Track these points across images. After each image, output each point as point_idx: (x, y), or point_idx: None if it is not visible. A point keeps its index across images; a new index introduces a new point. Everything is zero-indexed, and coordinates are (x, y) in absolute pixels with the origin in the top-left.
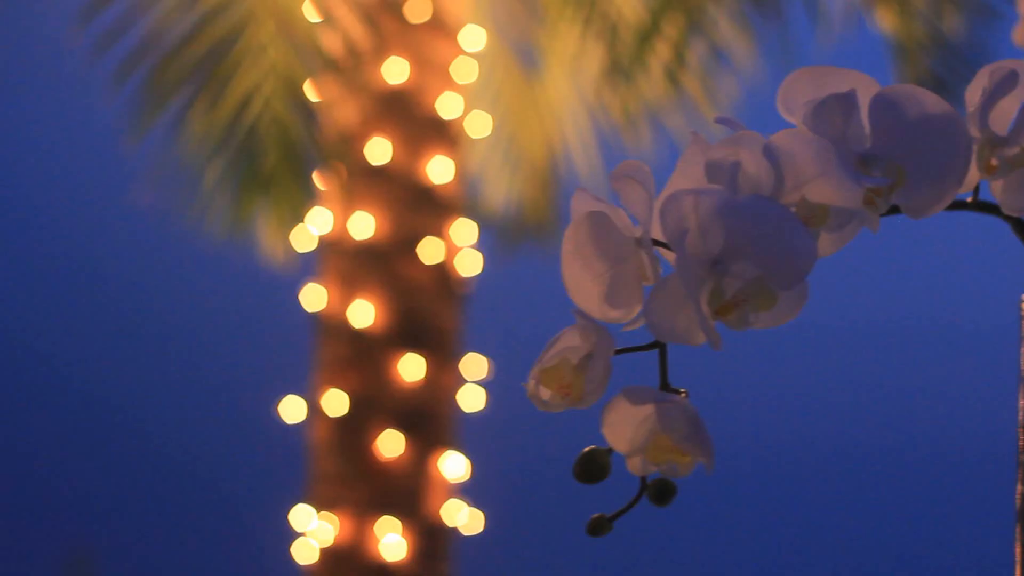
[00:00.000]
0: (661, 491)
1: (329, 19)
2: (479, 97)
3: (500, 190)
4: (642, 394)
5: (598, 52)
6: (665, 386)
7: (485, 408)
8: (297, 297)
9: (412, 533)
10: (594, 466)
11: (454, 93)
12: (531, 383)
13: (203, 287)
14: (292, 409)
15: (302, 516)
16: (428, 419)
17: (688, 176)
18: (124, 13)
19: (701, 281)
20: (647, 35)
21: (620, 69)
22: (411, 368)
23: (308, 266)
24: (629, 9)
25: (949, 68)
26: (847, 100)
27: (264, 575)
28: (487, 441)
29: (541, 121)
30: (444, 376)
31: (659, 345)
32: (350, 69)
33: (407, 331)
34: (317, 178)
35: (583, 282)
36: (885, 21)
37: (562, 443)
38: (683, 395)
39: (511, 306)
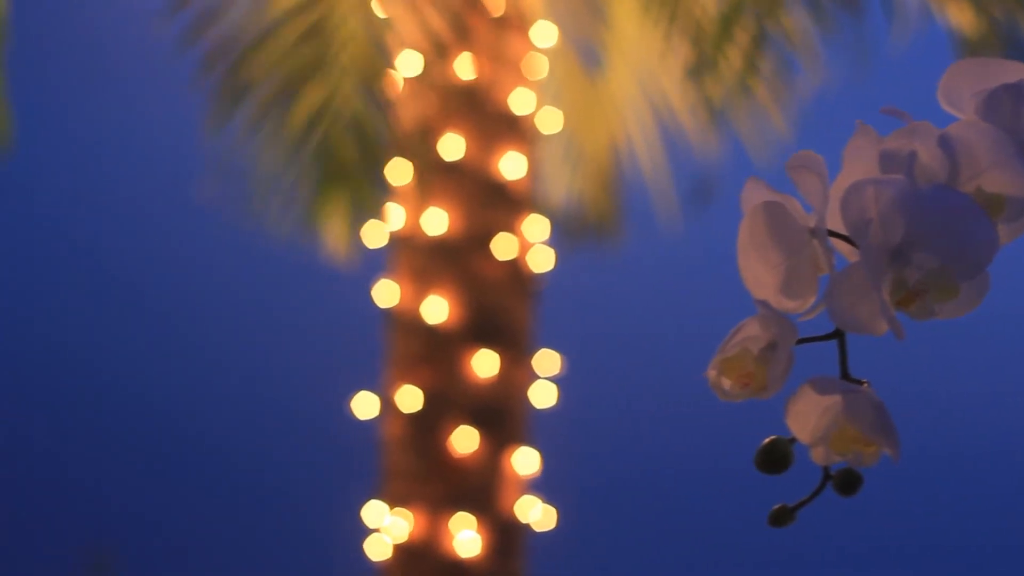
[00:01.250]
0: (847, 481)
1: (405, 15)
2: (541, 93)
3: (561, 186)
4: (828, 384)
5: (681, 50)
6: (846, 375)
7: (556, 404)
8: (369, 293)
9: (487, 529)
10: (776, 456)
11: (526, 89)
12: (712, 373)
13: (274, 283)
14: (365, 405)
15: (375, 512)
16: (501, 415)
17: (857, 166)
18: (204, 11)
19: (883, 271)
20: (724, 31)
21: (703, 66)
22: (485, 364)
23: (379, 262)
24: (708, 5)
25: None
26: (1018, 90)
27: (337, 572)
28: (558, 437)
29: (604, 118)
30: (517, 372)
31: (839, 335)
32: (426, 64)
33: (480, 327)
34: (390, 174)
35: (759, 272)
36: (957, 17)
37: (630, 440)
38: (866, 385)
39: (582, 302)
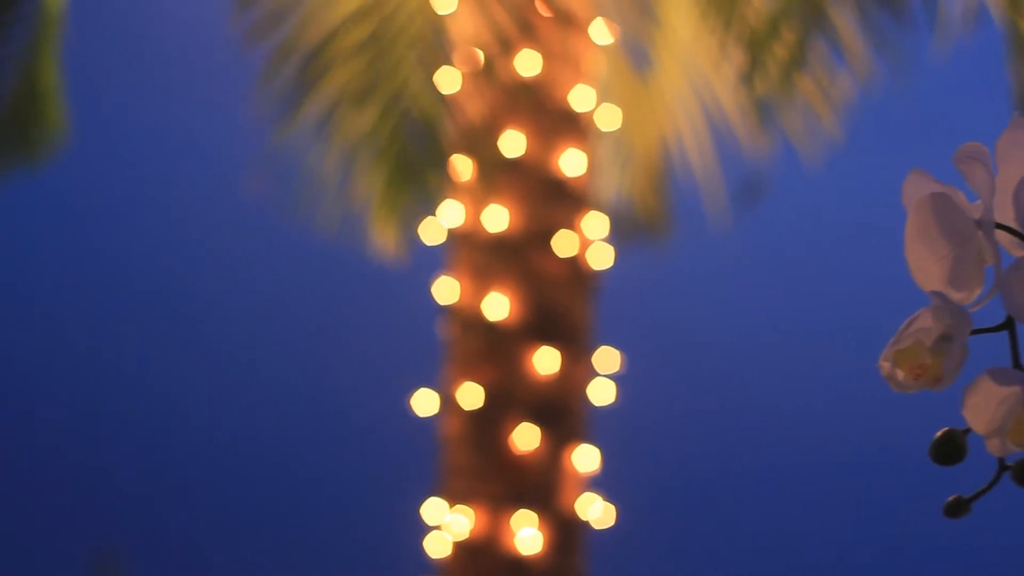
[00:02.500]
0: None
1: (467, 11)
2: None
3: (610, 184)
4: (1008, 375)
5: (736, 56)
6: (1017, 365)
7: (615, 401)
8: (425, 290)
9: (547, 527)
10: (951, 447)
11: (585, 86)
12: (885, 364)
13: (332, 282)
14: (424, 402)
15: (434, 510)
16: (562, 412)
17: (1017, 160)
18: (271, 11)
19: None
20: (772, 30)
21: (756, 71)
22: (546, 361)
23: (435, 259)
24: (762, 9)
25: None
26: None
27: (396, 570)
28: (615, 434)
29: (653, 116)
30: (577, 369)
31: (1009, 325)
32: (487, 61)
33: (541, 324)
34: (449, 170)
35: (926, 264)
36: (1013, 16)
37: (689, 438)
38: None
39: (638, 299)
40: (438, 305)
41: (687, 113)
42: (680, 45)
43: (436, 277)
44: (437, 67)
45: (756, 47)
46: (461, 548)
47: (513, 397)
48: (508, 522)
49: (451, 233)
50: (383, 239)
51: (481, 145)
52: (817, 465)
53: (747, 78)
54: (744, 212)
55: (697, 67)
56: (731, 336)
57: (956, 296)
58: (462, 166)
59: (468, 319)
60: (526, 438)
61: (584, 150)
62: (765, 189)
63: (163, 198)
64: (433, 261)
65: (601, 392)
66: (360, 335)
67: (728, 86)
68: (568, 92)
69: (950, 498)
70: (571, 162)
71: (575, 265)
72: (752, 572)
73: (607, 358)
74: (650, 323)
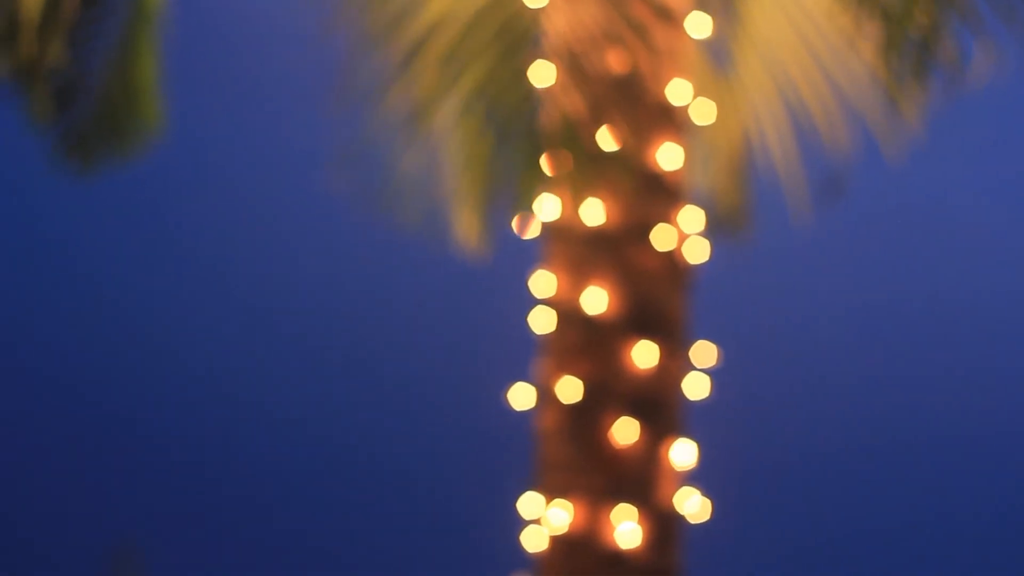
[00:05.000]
0: None
1: (563, 5)
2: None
3: (692, 178)
4: None
5: (871, 31)
6: None
7: (710, 395)
8: (516, 284)
9: (646, 521)
10: None
11: (682, 79)
12: None
13: (428, 276)
14: (521, 396)
15: (532, 504)
16: (660, 406)
17: None
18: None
19: None
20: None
21: (892, 45)
22: (644, 355)
23: (527, 253)
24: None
25: None
26: None
27: (494, 564)
28: (709, 429)
29: (735, 111)
30: (674, 363)
31: None
32: (584, 54)
33: (639, 318)
34: (545, 164)
35: None
36: None
37: (774, 431)
38: None
39: (734, 292)
40: (532, 298)
41: (769, 108)
42: (762, 39)
43: (532, 271)
44: (529, 59)
45: (893, 24)
46: (559, 542)
47: (611, 391)
48: (607, 516)
49: (546, 227)
50: (473, 233)
51: (578, 139)
52: (916, 460)
53: (883, 55)
54: (827, 207)
55: (779, 61)
56: (827, 329)
57: None
58: (558, 160)
59: (566, 313)
60: (624, 432)
61: (680, 144)
62: (847, 184)
63: (252, 196)
64: (523, 255)
65: (697, 386)
66: (454, 329)
67: (811, 79)
68: (665, 86)
69: None
70: (668, 156)
71: (672, 259)
72: (845, 567)
73: (704, 352)
74: (746, 316)
